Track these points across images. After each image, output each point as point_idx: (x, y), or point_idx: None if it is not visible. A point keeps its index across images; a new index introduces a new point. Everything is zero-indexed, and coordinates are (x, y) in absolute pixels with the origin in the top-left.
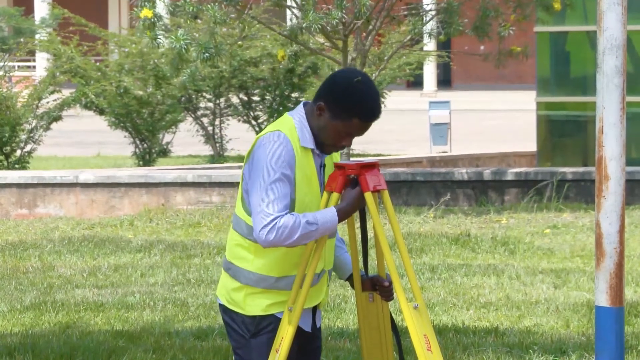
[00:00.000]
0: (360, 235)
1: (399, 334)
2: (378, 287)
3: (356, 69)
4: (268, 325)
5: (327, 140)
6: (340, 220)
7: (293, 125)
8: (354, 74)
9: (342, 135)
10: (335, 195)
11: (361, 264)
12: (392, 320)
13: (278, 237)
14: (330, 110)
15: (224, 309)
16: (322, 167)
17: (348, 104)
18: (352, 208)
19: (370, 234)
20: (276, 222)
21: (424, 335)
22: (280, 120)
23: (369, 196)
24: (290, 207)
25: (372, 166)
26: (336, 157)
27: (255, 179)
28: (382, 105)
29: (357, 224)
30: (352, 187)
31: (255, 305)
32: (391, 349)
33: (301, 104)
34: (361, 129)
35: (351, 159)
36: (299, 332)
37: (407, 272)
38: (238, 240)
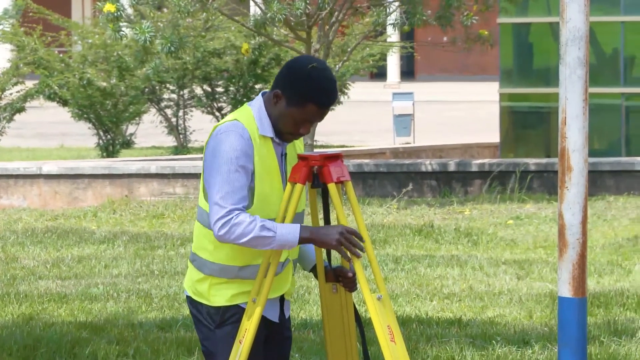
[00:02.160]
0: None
1: (362, 325)
2: (341, 278)
3: (312, 56)
4: (232, 315)
5: (285, 128)
6: (301, 241)
7: (251, 115)
8: (309, 60)
9: (299, 122)
10: (299, 186)
11: (325, 255)
12: (356, 311)
13: (230, 233)
14: (286, 97)
15: (190, 301)
16: (283, 156)
17: (302, 90)
18: (319, 239)
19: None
20: (231, 218)
21: (387, 326)
22: (238, 110)
23: (332, 187)
24: (250, 197)
25: (335, 157)
26: (299, 145)
27: (211, 170)
28: (345, 95)
29: (321, 215)
30: (315, 184)
31: (219, 295)
32: (354, 340)
33: (260, 93)
34: (318, 115)
35: (314, 150)
36: (267, 322)
37: (370, 263)
38: (201, 230)
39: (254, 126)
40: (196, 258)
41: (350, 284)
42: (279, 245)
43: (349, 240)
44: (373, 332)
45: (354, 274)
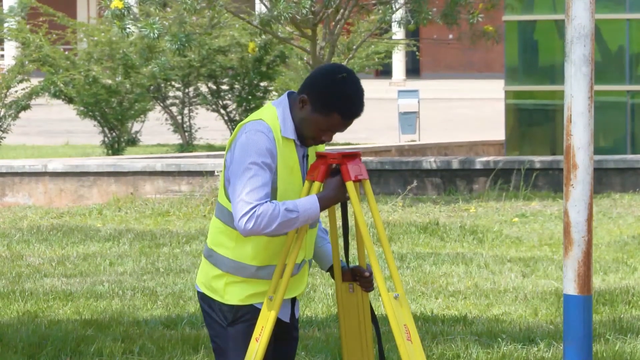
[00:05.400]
0: (341, 225)
1: (378, 325)
2: (358, 278)
3: (344, 65)
4: (245, 314)
5: (307, 133)
6: (321, 208)
7: (275, 115)
8: (340, 70)
9: (323, 129)
10: (316, 184)
11: (342, 255)
12: (372, 311)
13: (257, 225)
14: (312, 103)
15: (202, 297)
16: (304, 157)
17: (329, 99)
18: (334, 196)
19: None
20: (255, 210)
21: (404, 325)
22: (263, 108)
23: (350, 186)
24: (272, 196)
25: (354, 156)
26: (320, 147)
27: (236, 167)
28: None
29: (338, 214)
30: (333, 176)
31: (234, 294)
32: (370, 340)
33: (286, 93)
34: (341, 126)
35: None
36: (277, 322)
37: (387, 262)
38: (220, 227)
39: (277, 126)
40: (213, 254)
41: (366, 283)
42: (304, 222)
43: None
44: (389, 331)
45: (371, 274)
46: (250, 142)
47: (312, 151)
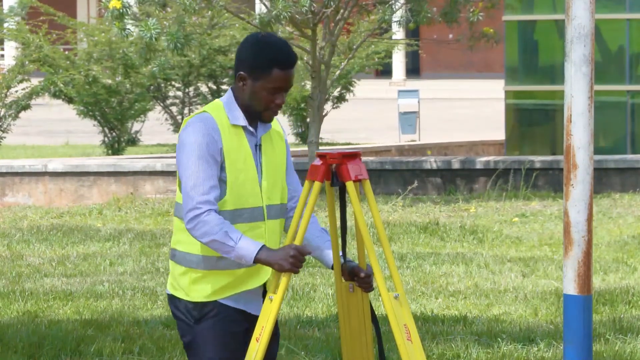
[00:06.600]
0: (339, 225)
1: (378, 324)
2: (356, 278)
3: (256, 32)
4: (211, 310)
5: (259, 106)
6: (256, 261)
7: (221, 106)
8: (256, 34)
9: (271, 92)
10: (317, 184)
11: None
12: (372, 311)
13: (195, 230)
14: (250, 74)
15: (169, 298)
16: (257, 147)
17: (262, 59)
18: (275, 262)
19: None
20: (201, 214)
21: (404, 325)
22: (209, 103)
23: (350, 186)
24: (222, 188)
25: (354, 156)
26: (276, 139)
27: (180, 162)
28: (350, 93)
29: (338, 214)
30: (334, 182)
31: (199, 291)
32: (370, 340)
33: (230, 88)
34: (284, 79)
35: (320, 147)
36: (248, 316)
37: (387, 262)
38: (179, 225)
39: (224, 117)
40: (175, 253)
41: (364, 284)
42: (237, 257)
43: (300, 261)
44: (389, 330)
45: (367, 275)
46: (192, 135)
47: (266, 142)
